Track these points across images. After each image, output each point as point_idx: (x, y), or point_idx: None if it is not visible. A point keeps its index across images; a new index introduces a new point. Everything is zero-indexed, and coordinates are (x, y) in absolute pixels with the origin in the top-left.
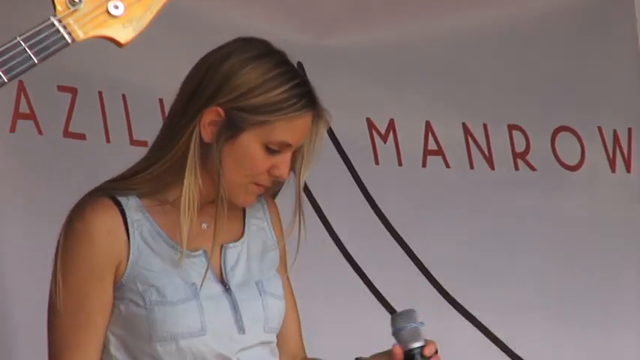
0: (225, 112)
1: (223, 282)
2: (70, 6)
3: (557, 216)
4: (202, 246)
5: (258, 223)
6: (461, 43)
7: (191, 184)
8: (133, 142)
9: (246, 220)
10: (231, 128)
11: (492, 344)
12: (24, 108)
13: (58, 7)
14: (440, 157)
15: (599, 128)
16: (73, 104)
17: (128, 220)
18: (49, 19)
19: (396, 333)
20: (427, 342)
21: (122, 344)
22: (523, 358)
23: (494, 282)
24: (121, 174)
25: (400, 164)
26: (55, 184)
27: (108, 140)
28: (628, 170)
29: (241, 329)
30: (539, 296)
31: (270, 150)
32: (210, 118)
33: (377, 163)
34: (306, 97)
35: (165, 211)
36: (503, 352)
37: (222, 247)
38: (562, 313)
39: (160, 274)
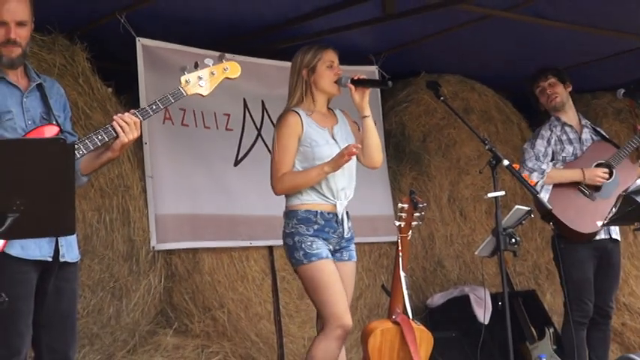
0: (306, 70)
1: (334, 139)
2: (186, 82)
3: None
4: (327, 126)
5: (341, 117)
6: None
7: (309, 98)
8: (206, 127)
9: (337, 116)
10: (311, 69)
11: None
12: (167, 115)
13: (182, 83)
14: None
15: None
16: (185, 113)
17: (301, 117)
18: (178, 88)
19: (340, 83)
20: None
21: (299, 162)
22: None
23: None
24: (289, 104)
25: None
26: (178, 143)
27: (196, 126)
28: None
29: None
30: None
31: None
32: (306, 73)
33: None
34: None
35: (312, 114)
36: None
37: (332, 127)
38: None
39: (314, 135)
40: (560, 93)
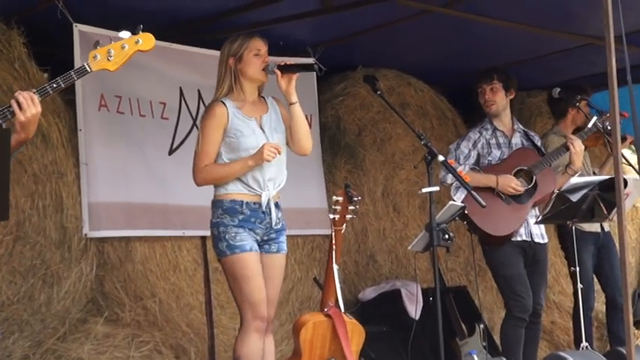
0: (233, 59)
1: (262, 129)
2: (93, 58)
3: None
4: (254, 115)
5: (272, 106)
6: None
7: (238, 87)
8: (141, 115)
9: (268, 104)
10: (238, 58)
11: None
12: (103, 102)
13: (90, 58)
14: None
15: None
16: (120, 100)
17: (227, 107)
18: (83, 64)
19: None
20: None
21: (226, 153)
22: None
23: None
24: (217, 95)
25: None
26: (113, 131)
27: (131, 114)
28: (310, 127)
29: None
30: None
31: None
32: (232, 62)
33: None
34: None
35: (240, 105)
36: None
37: (261, 116)
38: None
39: (240, 126)
40: (498, 101)
